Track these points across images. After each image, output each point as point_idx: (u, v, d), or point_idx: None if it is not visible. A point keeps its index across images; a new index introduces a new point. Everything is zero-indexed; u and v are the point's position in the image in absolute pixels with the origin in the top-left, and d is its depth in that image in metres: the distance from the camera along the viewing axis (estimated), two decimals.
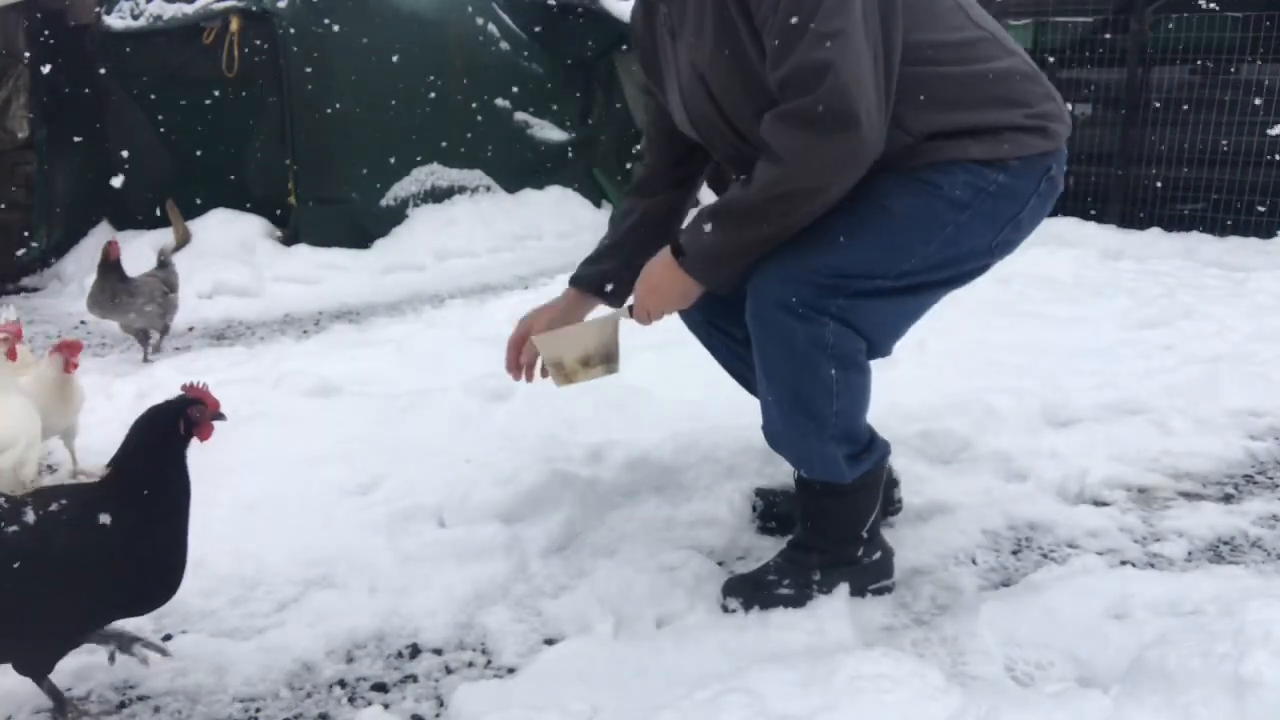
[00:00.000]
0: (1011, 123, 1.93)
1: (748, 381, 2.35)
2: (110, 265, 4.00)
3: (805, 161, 1.78)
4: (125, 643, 1.88)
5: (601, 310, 2.28)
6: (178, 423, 1.81)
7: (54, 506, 1.73)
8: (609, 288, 2.27)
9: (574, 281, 2.31)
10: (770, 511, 2.51)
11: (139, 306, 4.03)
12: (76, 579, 1.72)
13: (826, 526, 2.13)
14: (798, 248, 1.90)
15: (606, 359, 2.10)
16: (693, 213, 2.02)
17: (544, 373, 2.25)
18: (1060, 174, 2.04)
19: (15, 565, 1.66)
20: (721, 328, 2.32)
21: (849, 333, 1.94)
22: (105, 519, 1.72)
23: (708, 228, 1.88)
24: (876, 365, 2.09)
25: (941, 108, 1.89)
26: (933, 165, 1.91)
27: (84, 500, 1.75)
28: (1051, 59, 7.09)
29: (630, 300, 2.09)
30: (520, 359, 2.27)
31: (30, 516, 1.70)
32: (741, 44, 1.87)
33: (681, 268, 1.93)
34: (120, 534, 1.74)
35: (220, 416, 1.86)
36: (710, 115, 2.02)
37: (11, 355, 2.57)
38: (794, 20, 1.74)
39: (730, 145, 2.03)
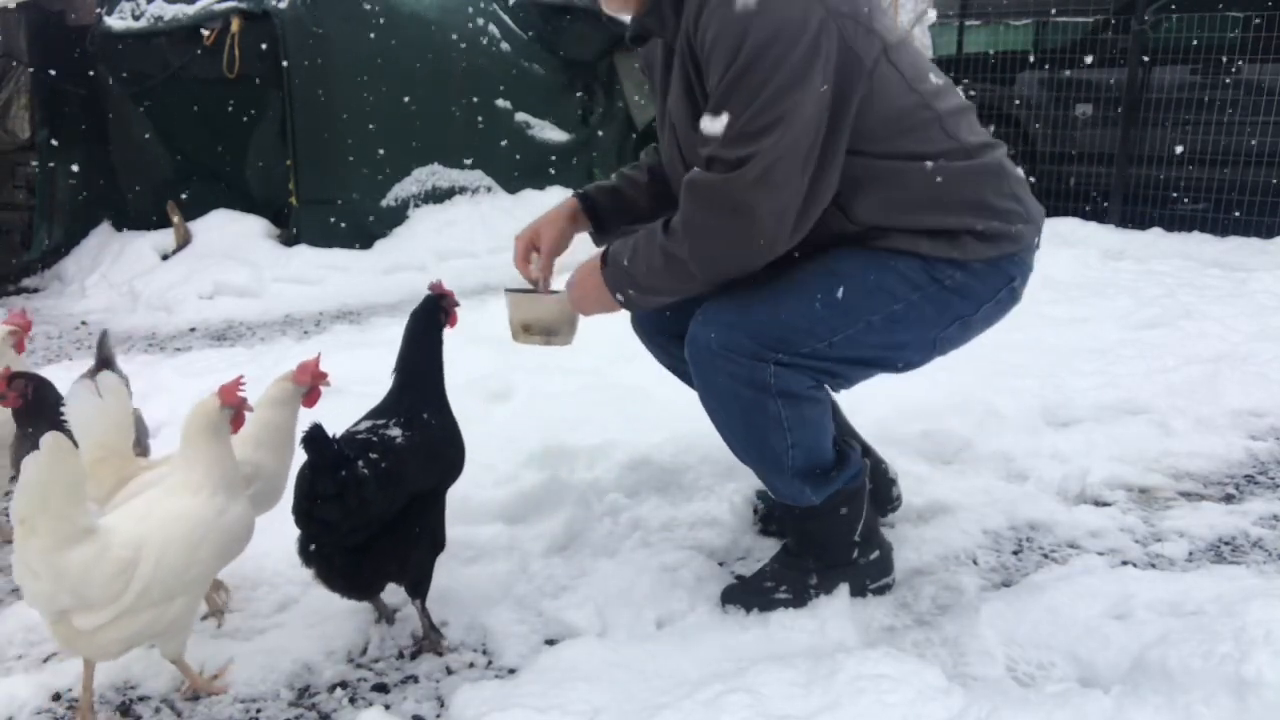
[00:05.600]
0: (968, 227, 1.89)
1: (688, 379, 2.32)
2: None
3: (696, 237, 1.80)
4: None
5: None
6: (439, 313, 2.09)
7: (401, 416, 1.97)
8: (599, 219, 2.27)
9: (579, 194, 2.30)
10: (772, 514, 2.51)
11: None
12: (444, 463, 2.01)
13: (811, 545, 2.13)
14: (742, 298, 1.90)
15: (547, 331, 2.18)
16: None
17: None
18: (1023, 282, 2.01)
19: (422, 463, 1.92)
20: (662, 345, 2.35)
21: (791, 373, 1.91)
22: (427, 411, 2.00)
23: (626, 259, 1.90)
24: None
25: (893, 205, 1.87)
26: (887, 249, 1.90)
27: (404, 402, 2.00)
28: (1052, 59, 7.10)
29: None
30: (528, 267, 2.26)
31: (395, 431, 1.93)
32: (699, 105, 1.86)
33: (602, 278, 1.96)
34: (441, 416, 2.03)
35: (457, 304, 2.14)
36: (674, 157, 2.05)
37: (20, 348, 2.52)
38: (731, 105, 1.71)
39: None
